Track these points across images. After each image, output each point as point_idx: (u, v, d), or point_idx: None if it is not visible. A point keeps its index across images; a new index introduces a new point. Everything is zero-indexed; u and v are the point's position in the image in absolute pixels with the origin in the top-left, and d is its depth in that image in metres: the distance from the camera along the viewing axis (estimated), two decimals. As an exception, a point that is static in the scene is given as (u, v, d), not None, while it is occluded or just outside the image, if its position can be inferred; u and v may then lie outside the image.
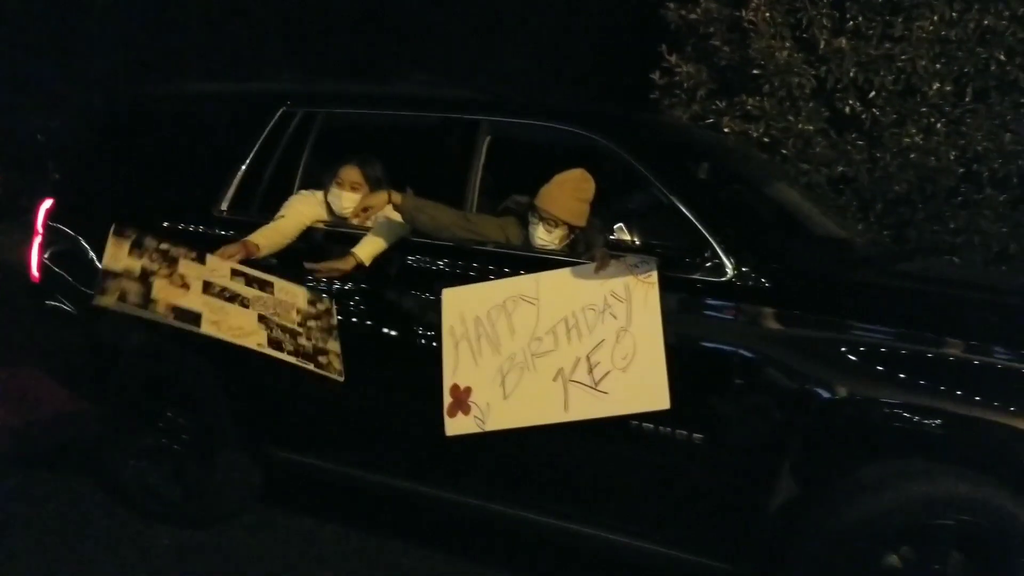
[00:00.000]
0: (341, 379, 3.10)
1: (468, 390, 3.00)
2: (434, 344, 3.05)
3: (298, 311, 3.14)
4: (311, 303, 3.20)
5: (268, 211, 3.46)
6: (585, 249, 3.01)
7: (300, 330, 3.09)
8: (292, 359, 2.97)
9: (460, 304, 3.06)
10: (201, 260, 3.13)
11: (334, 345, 3.13)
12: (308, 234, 3.37)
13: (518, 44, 10.10)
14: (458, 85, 3.74)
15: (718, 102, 6.33)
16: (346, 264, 3.15)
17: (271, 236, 3.31)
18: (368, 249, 3.18)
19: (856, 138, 5.74)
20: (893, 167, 5.59)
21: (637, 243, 2.90)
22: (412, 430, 3.19)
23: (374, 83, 4.02)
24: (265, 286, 3.18)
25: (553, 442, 2.94)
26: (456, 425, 3.00)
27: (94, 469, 3.98)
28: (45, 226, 4.08)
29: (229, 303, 3.00)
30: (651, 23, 6.85)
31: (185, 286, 2.96)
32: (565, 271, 2.95)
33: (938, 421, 2.47)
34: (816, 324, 2.65)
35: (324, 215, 3.42)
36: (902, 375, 2.53)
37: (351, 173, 3.37)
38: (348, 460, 3.41)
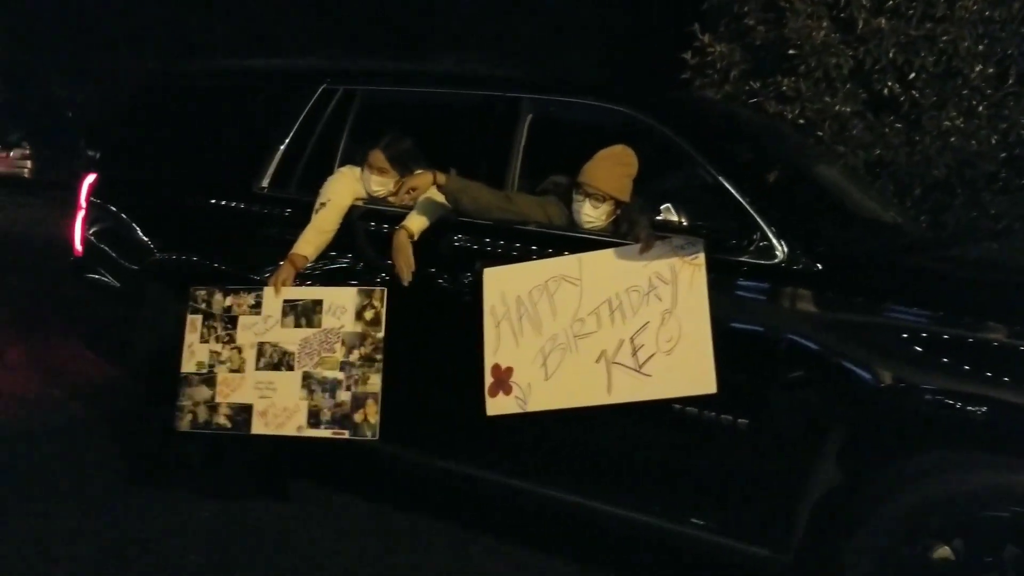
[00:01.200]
0: (375, 438, 3.08)
1: (509, 370, 2.95)
2: (475, 324, 3.00)
3: (343, 342, 3.13)
4: (362, 309, 3.14)
5: (308, 188, 3.42)
6: (629, 229, 2.94)
7: (341, 376, 3.12)
8: (327, 432, 3.13)
9: (501, 284, 3.00)
10: (258, 306, 3.24)
11: (374, 384, 3.09)
12: (350, 215, 3.32)
13: (548, 24, 9.97)
14: (499, 63, 3.65)
15: (752, 83, 6.20)
16: (402, 241, 3.11)
17: (314, 240, 3.29)
18: (417, 223, 3.14)
19: (894, 121, 5.60)
20: (932, 151, 5.46)
21: (683, 224, 2.82)
22: (455, 410, 3.14)
23: (414, 61, 3.94)
24: (314, 312, 3.17)
25: (594, 424, 2.88)
26: (497, 405, 2.95)
27: (131, 440, 3.98)
28: (88, 200, 4.06)
29: (276, 371, 3.19)
30: (684, 2, 6.73)
31: (241, 369, 3.24)
32: (608, 252, 2.88)
33: (991, 410, 2.38)
34: (868, 309, 2.57)
35: (365, 192, 3.37)
36: (954, 362, 2.45)
37: (376, 157, 3.33)
38: (392, 439, 3.37)
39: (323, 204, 3.29)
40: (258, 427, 3.20)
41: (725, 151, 2.97)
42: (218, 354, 3.27)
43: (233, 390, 3.24)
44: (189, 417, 3.28)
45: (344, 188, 3.33)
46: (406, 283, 3.13)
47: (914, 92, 5.53)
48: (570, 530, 3.39)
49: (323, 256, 3.33)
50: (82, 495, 3.55)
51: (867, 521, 2.51)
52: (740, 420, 2.68)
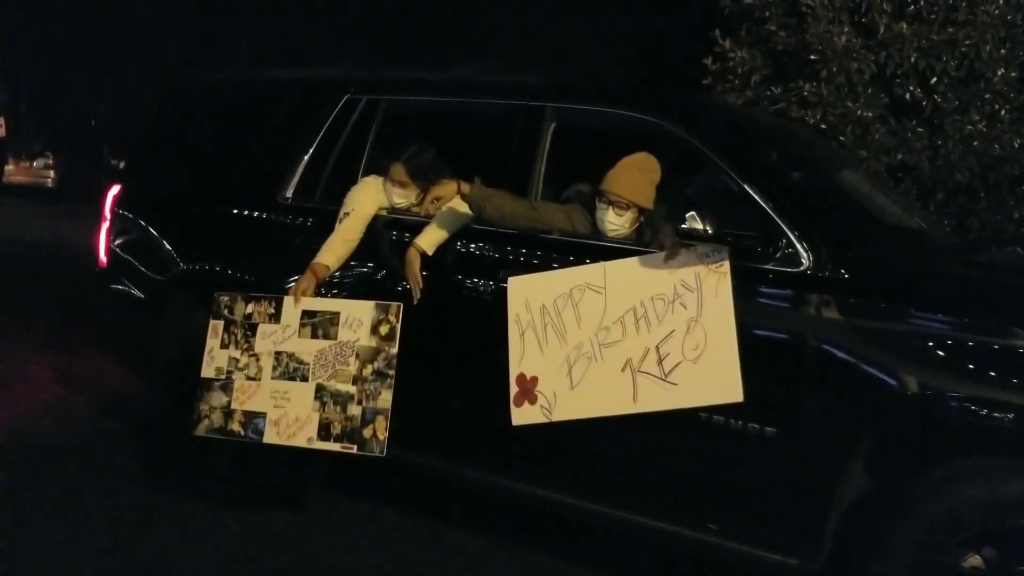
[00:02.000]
0: (382, 455, 3.08)
1: (535, 379, 2.95)
2: (499, 334, 2.99)
3: (358, 355, 3.14)
4: (378, 323, 3.14)
5: (332, 198, 3.43)
6: (653, 236, 2.93)
7: (353, 391, 3.13)
8: (336, 446, 3.13)
9: (526, 292, 3.00)
10: (277, 315, 3.27)
11: (385, 400, 3.09)
12: (373, 224, 3.33)
13: (570, 30, 9.97)
14: (522, 71, 3.65)
15: (773, 88, 6.18)
16: (411, 258, 3.14)
17: (337, 249, 3.30)
18: (430, 239, 3.15)
19: (916, 125, 5.56)
20: (955, 155, 5.42)
21: (708, 231, 2.81)
22: (479, 419, 3.14)
23: (437, 69, 3.95)
24: (331, 324, 3.19)
25: (620, 433, 2.87)
26: (522, 415, 2.95)
27: (156, 450, 4.00)
28: (112, 212, 4.10)
29: (291, 381, 3.21)
30: (704, 8, 6.71)
31: (257, 376, 3.26)
32: (633, 260, 2.87)
33: (1019, 415, 2.35)
34: (894, 316, 2.54)
35: (387, 202, 3.38)
36: (984, 369, 2.42)
37: (396, 171, 3.34)
38: (417, 448, 3.37)
39: (346, 214, 3.30)
40: (270, 436, 3.21)
41: (749, 158, 2.96)
42: (236, 360, 3.30)
43: (249, 397, 3.25)
44: (205, 422, 3.31)
45: (367, 198, 3.34)
46: (415, 300, 3.15)
47: (936, 96, 5.49)
48: (593, 539, 3.38)
49: (346, 266, 3.34)
50: (107, 507, 3.57)
51: (896, 530, 2.48)
52: (768, 428, 2.67)
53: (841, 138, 5.73)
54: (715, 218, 2.84)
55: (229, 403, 3.29)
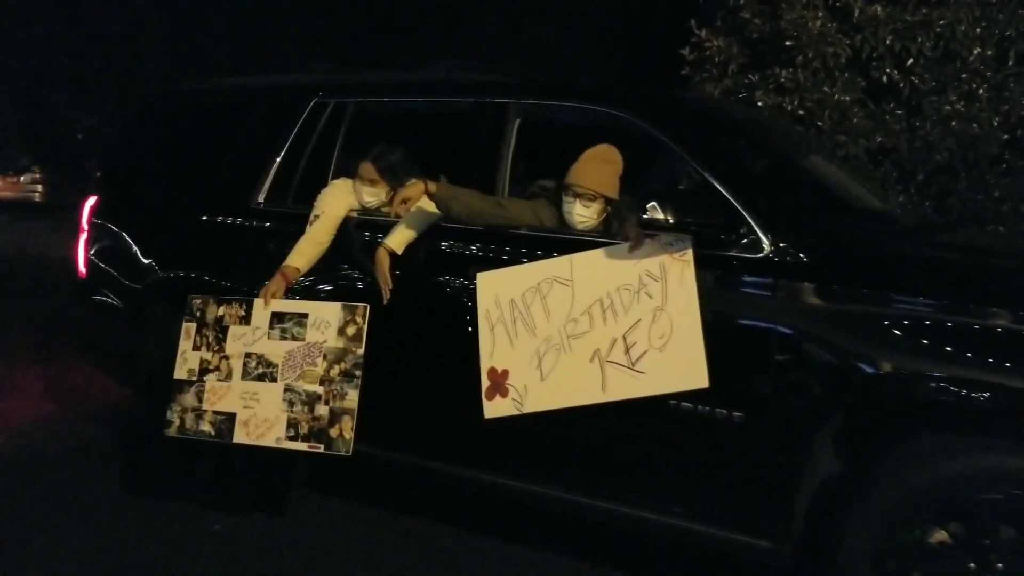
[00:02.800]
0: (348, 454, 3.15)
1: (505, 373, 3.01)
2: (470, 329, 3.06)
3: (325, 356, 3.21)
4: (345, 324, 3.22)
5: (303, 201, 3.49)
6: (618, 228, 2.99)
7: (321, 391, 3.20)
8: (303, 446, 3.22)
9: (495, 287, 3.06)
10: (248, 317, 3.34)
11: (352, 400, 3.17)
12: (344, 226, 3.39)
13: (545, 23, 10.02)
14: (485, 70, 3.71)
15: (751, 76, 6.24)
16: (381, 259, 3.20)
17: (307, 252, 3.37)
18: (399, 238, 3.21)
19: (894, 107, 5.62)
20: (933, 136, 5.47)
21: (671, 221, 2.87)
22: (452, 414, 3.20)
23: (403, 71, 4.01)
24: (300, 325, 3.27)
25: (591, 422, 2.93)
26: (495, 408, 3.01)
27: (143, 458, 4.06)
28: (90, 223, 4.16)
29: (260, 382, 3.29)
30: (680, -1, 6.77)
31: (228, 378, 3.34)
32: (599, 251, 2.94)
33: (985, 394, 2.41)
34: (856, 298, 2.60)
35: (358, 203, 3.44)
36: (946, 347, 2.47)
37: (366, 169, 3.41)
38: (392, 446, 3.43)
39: (316, 216, 3.37)
40: (239, 436, 3.29)
41: (709, 146, 3.02)
42: (208, 362, 3.37)
43: (219, 398, 3.33)
44: (177, 423, 3.39)
45: (337, 200, 3.40)
46: (385, 299, 3.22)
47: (913, 78, 5.54)
48: (578, 529, 3.44)
49: (316, 268, 3.40)
50: (94, 516, 3.63)
51: (863, 508, 2.54)
52: (735, 413, 2.73)
53: (819, 123, 5.79)
54: (678, 207, 2.90)
55: (200, 404, 3.36)
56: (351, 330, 3.20)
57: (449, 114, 3.56)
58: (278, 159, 3.65)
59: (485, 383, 3.03)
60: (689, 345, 2.75)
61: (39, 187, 21.03)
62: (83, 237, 4.18)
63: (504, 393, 3.01)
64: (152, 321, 3.89)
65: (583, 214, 3.08)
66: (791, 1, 5.87)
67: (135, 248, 4.00)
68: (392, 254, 3.20)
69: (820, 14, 5.83)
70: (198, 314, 3.42)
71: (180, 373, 3.42)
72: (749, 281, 2.76)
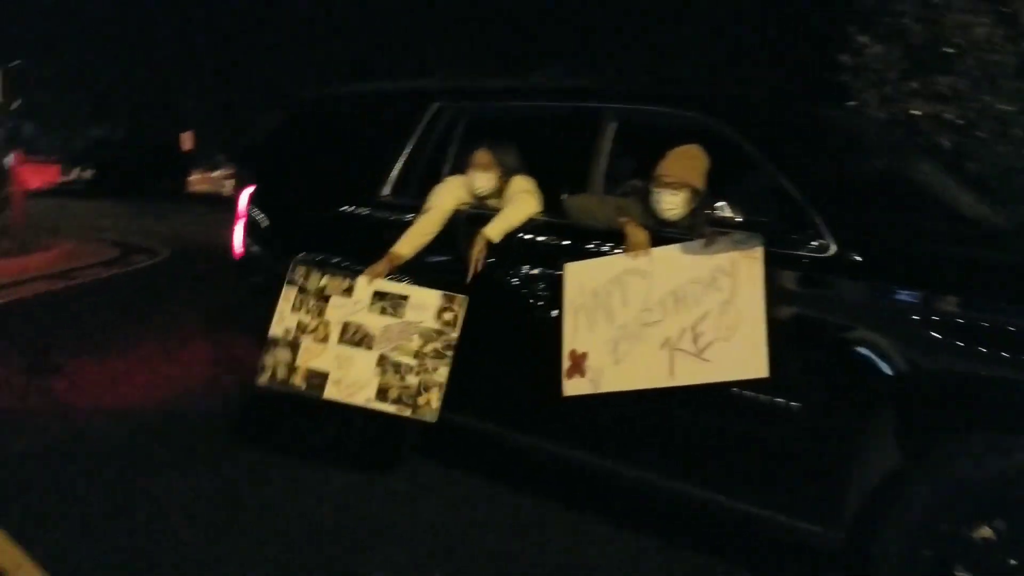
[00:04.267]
0: (433, 421, 3.62)
1: (584, 355, 3.42)
2: (553, 313, 3.50)
3: (421, 335, 3.71)
4: (443, 310, 3.71)
5: (423, 195, 4.05)
6: (695, 225, 3.33)
7: (414, 363, 3.69)
8: (392, 408, 3.69)
9: (580, 277, 3.48)
10: (350, 290, 3.86)
11: (442, 374, 3.65)
12: (452, 217, 3.92)
13: (705, 30, 10.23)
14: (589, 75, 4.15)
15: (910, 83, 6.29)
16: (477, 244, 3.70)
17: (414, 240, 3.90)
18: (497, 227, 3.70)
19: (1061, 119, 5.54)
20: (1102, 150, 5.36)
21: (742, 220, 3.17)
22: (539, 392, 3.64)
23: (515, 77, 4.52)
24: (399, 305, 3.78)
25: (660, 406, 3.29)
26: (573, 386, 3.43)
27: (280, 419, 4.76)
28: (247, 209, 4.93)
29: (356, 348, 3.78)
30: (839, 4, 6.86)
31: (324, 340, 3.82)
32: (675, 247, 3.29)
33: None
34: (912, 298, 2.82)
35: (468, 198, 3.96)
36: (997, 348, 2.64)
37: (482, 155, 3.90)
38: (491, 419, 3.92)
39: (427, 209, 3.91)
40: (331, 392, 3.76)
41: (788, 152, 3.30)
42: (305, 324, 3.85)
43: (314, 357, 3.82)
44: (268, 374, 3.86)
45: (448, 195, 3.93)
46: (468, 281, 3.71)
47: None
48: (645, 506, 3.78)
49: (422, 255, 3.90)
50: (231, 465, 4.34)
51: (909, 500, 2.76)
52: (793, 403, 3.01)
53: (979, 133, 5.78)
54: (753, 207, 3.20)
55: (293, 360, 3.85)
56: (448, 316, 3.70)
57: (552, 118, 4.03)
58: (402, 157, 4.24)
59: (566, 363, 3.45)
60: (753, 337, 3.05)
61: (230, 181, 23.42)
62: (241, 222, 4.95)
63: (583, 373, 3.42)
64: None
65: (671, 202, 3.42)
66: (954, 6, 5.90)
67: (282, 233, 4.73)
68: (489, 241, 3.69)
69: (986, 20, 5.82)
70: (300, 280, 3.91)
71: (276, 331, 3.87)
72: (812, 279, 3.03)
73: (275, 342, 3.90)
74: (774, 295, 3.06)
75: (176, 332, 7.23)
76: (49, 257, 11.96)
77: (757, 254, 3.10)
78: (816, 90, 5.74)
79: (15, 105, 20.14)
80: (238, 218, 4.93)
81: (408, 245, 3.91)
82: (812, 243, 3.04)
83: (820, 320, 3.00)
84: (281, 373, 3.86)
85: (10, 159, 14.66)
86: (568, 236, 3.62)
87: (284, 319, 3.91)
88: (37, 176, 25.73)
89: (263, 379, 3.89)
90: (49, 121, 34.89)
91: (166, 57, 33.38)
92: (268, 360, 3.89)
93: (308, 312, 3.89)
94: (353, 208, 4.36)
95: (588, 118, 3.74)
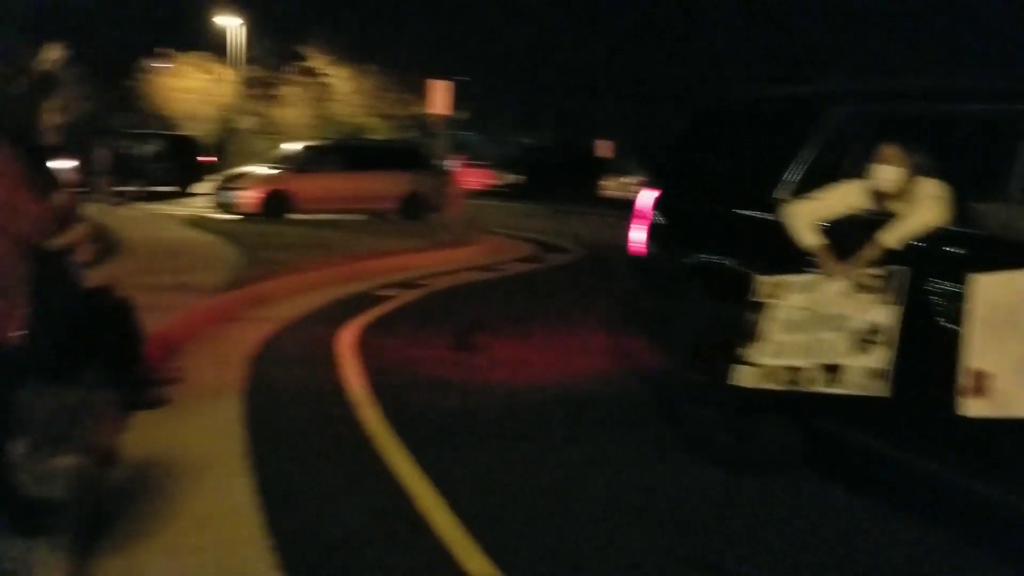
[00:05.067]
0: (886, 395, 3.56)
1: (989, 375, 3.19)
2: (951, 326, 3.32)
3: (876, 329, 3.64)
4: (890, 301, 3.61)
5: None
6: None
7: (868, 348, 3.65)
8: (852, 389, 3.68)
9: (991, 291, 3.25)
10: (811, 288, 3.85)
11: (888, 360, 3.58)
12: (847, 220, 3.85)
13: None
14: (1008, 76, 3.82)
15: None
16: (872, 249, 3.63)
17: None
18: (896, 234, 3.58)
19: None
20: None
21: None
22: (934, 410, 3.46)
23: (923, 78, 4.28)
24: (861, 298, 3.69)
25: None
26: (974, 407, 3.22)
27: (673, 416, 5.01)
28: (652, 212, 5.25)
29: (823, 335, 3.80)
30: None
31: (801, 332, 3.85)
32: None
33: None
34: None
35: (865, 203, 3.81)
36: None
37: (889, 148, 3.67)
38: (878, 435, 3.80)
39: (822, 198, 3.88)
40: (808, 385, 3.79)
41: None
42: (775, 326, 3.91)
43: (789, 352, 3.86)
44: (750, 375, 3.95)
45: (845, 194, 3.85)
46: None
47: None
48: None
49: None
50: (628, 449, 4.70)
51: None
52: None
53: None
54: None
55: (770, 357, 3.91)
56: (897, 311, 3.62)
57: (971, 121, 3.78)
58: (797, 159, 4.25)
59: (966, 381, 3.25)
60: None
61: (637, 189, 24.62)
62: (645, 224, 5.27)
63: (985, 393, 3.20)
64: (692, 296, 4.78)
65: None
66: None
67: (683, 234, 4.98)
68: (886, 247, 3.59)
69: None
70: (768, 290, 3.94)
71: (763, 336, 3.93)
72: None
73: (756, 347, 3.97)
74: None
75: (580, 324, 7.99)
76: (479, 250, 13.57)
77: None
78: None
79: (463, 116, 22.97)
80: (634, 219, 5.28)
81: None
82: None
83: None
84: (757, 375, 3.97)
85: (454, 163, 16.83)
86: (973, 247, 3.41)
87: (768, 332, 3.97)
88: (473, 179, 29.06)
89: (746, 379, 3.99)
90: (487, 130, 39.37)
91: (584, 66, 36.31)
92: (746, 362, 3.99)
93: (782, 311, 3.92)
94: (746, 211, 4.47)
95: (1010, 122, 3.47)
